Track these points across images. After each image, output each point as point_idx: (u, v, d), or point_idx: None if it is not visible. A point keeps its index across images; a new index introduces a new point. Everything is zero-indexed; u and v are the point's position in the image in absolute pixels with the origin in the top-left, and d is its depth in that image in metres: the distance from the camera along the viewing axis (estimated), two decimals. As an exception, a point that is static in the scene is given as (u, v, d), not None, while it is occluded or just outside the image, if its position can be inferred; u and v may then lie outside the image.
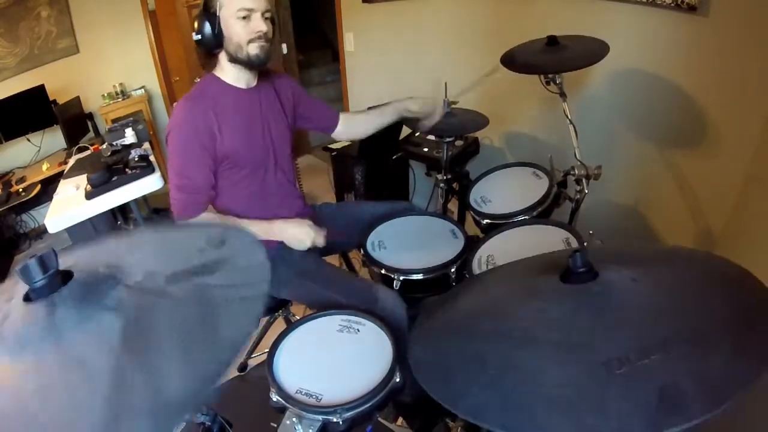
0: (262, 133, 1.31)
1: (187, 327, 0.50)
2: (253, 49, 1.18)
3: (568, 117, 1.42)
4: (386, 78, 2.89)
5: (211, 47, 1.19)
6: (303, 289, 1.29)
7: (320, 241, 1.25)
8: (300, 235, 1.23)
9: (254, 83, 1.30)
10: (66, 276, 0.53)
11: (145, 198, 2.88)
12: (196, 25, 1.16)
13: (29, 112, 3.04)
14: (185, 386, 0.44)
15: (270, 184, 1.35)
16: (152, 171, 2.24)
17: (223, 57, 1.22)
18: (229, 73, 1.25)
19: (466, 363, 0.63)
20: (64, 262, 0.55)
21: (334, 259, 1.82)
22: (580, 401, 0.51)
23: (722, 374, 0.48)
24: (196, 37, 1.17)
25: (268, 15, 1.19)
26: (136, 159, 2.28)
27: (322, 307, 1.12)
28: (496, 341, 0.65)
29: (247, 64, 1.21)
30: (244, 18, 1.15)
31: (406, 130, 2.27)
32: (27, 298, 0.52)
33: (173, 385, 0.44)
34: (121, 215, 2.92)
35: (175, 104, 1.23)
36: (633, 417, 0.48)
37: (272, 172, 1.35)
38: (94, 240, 0.68)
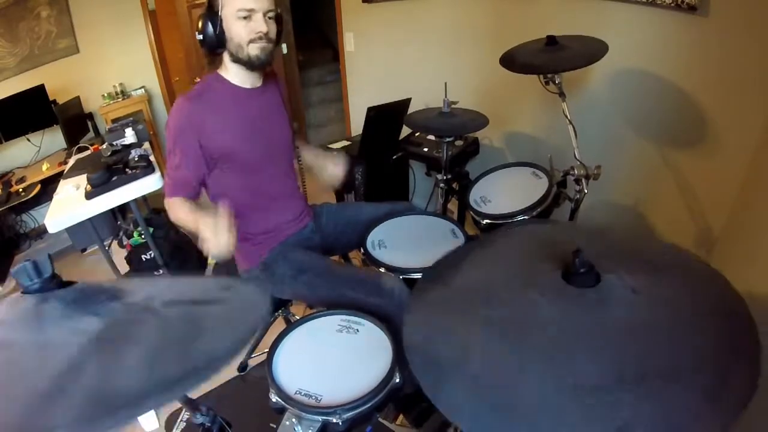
0: (265, 134, 1.30)
1: (163, 340, 0.50)
2: (253, 50, 1.18)
3: (567, 117, 1.42)
4: (386, 78, 2.89)
5: (214, 47, 1.19)
6: (306, 285, 1.28)
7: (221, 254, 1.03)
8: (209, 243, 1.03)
9: (259, 84, 1.30)
10: (65, 283, 0.54)
11: (145, 198, 2.88)
12: (199, 24, 1.16)
13: (29, 112, 3.04)
14: (137, 383, 0.44)
15: (273, 184, 1.35)
16: (152, 171, 2.23)
17: (226, 57, 1.22)
18: (233, 72, 1.24)
19: (453, 353, 0.63)
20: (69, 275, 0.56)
21: (333, 259, 1.82)
22: (548, 421, 0.52)
23: (687, 421, 0.48)
24: (199, 37, 1.17)
25: (271, 15, 1.18)
26: (136, 159, 2.28)
27: (325, 303, 1.11)
28: (485, 330, 0.64)
29: (248, 64, 1.20)
30: (244, 18, 1.14)
31: (406, 130, 2.27)
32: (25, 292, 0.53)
33: (124, 379, 0.45)
34: (121, 215, 2.92)
35: (176, 100, 1.23)
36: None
37: (275, 172, 1.35)
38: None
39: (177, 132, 1.20)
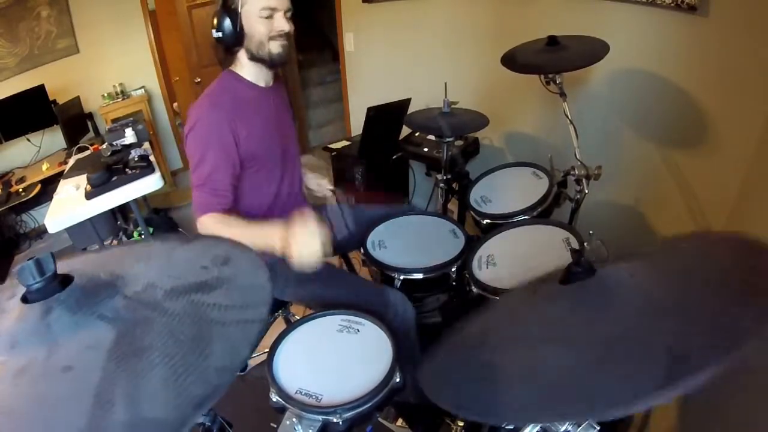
0: (279, 133, 1.30)
1: (178, 348, 0.49)
2: (275, 48, 1.17)
3: (568, 117, 1.42)
4: (386, 78, 2.89)
5: (232, 44, 1.17)
6: (309, 291, 1.28)
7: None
8: (310, 248, 1.03)
9: (272, 83, 1.29)
10: (66, 279, 0.53)
11: (145, 198, 2.89)
12: (215, 21, 1.14)
13: (29, 112, 3.04)
14: (166, 410, 0.44)
15: (283, 184, 1.35)
16: (152, 171, 2.23)
17: (242, 54, 1.20)
18: (249, 70, 1.23)
19: (473, 373, 0.64)
20: (68, 266, 0.55)
21: (333, 260, 1.82)
22: (584, 380, 0.51)
23: (728, 322, 0.48)
24: (217, 34, 1.14)
25: (289, 14, 1.18)
26: (136, 159, 2.28)
27: (327, 308, 1.11)
28: (500, 349, 0.65)
29: (268, 62, 1.19)
30: (267, 17, 1.13)
31: (406, 130, 2.27)
32: (25, 299, 0.52)
33: (154, 407, 0.44)
34: (121, 215, 2.92)
35: (195, 102, 1.19)
36: (646, 376, 0.47)
37: (286, 172, 1.35)
38: (104, 247, 0.69)
39: (210, 137, 1.13)
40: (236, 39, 1.15)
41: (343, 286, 1.26)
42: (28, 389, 0.46)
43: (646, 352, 0.49)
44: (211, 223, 1.13)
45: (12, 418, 0.44)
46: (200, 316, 0.52)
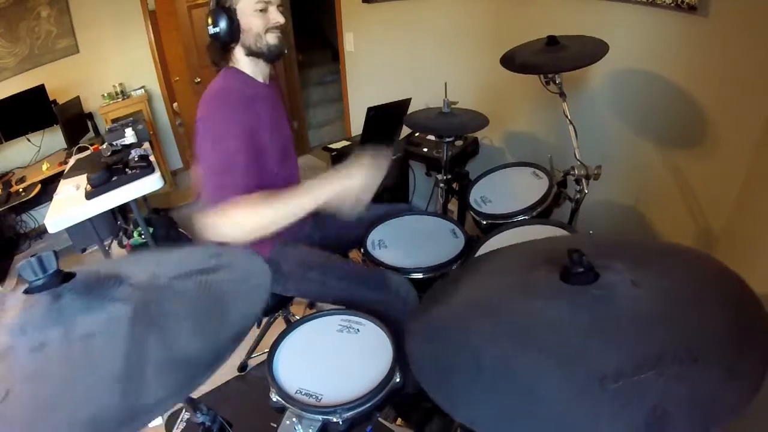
0: (279, 129, 1.31)
1: (196, 305, 0.53)
2: (272, 39, 1.18)
3: (567, 117, 1.42)
4: (386, 78, 2.89)
5: (228, 41, 1.18)
6: (313, 282, 1.28)
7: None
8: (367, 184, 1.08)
9: (268, 80, 1.30)
10: (67, 276, 0.54)
11: (145, 198, 2.89)
12: (211, 19, 1.15)
13: (29, 112, 3.03)
14: (198, 346, 0.47)
15: (283, 180, 1.33)
16: (152, 171, 2.23)
17: (239, 51, 1.21)
18: (246, 67, 1.23)
19: (463, 363, 0.63)
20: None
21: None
22: (573, 417, 0.51)
23: (712, 399, 0.48)
24: (213, 30, 1.15)
25: (281, 8, 1.20)
26: (136, 159, 2.28)
27: (331, 299, 1.10)
28: (492, 339, 0.64)
29: (266, 54, 1.20)
30: (261, 11, 1.15)
31: (406, 130, 2.27)
32: (28, 291, 0.52)
33: (186, 344, 0.47)
34: (121, 215, 2.92)
35: (205, 99, 1.16)
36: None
37: (286, 168, 1.35)
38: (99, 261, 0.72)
39: (229, 123, 1.11)
40: (232, 34, 1.16)
41: (343, 275, 1.25)
42: (51, 356, 0.47)
43: (631, 402, 0.49)
44: (236, 211, 1.03)
45: (37, 382, 0.45)
46: (210, 289, 0.56)
